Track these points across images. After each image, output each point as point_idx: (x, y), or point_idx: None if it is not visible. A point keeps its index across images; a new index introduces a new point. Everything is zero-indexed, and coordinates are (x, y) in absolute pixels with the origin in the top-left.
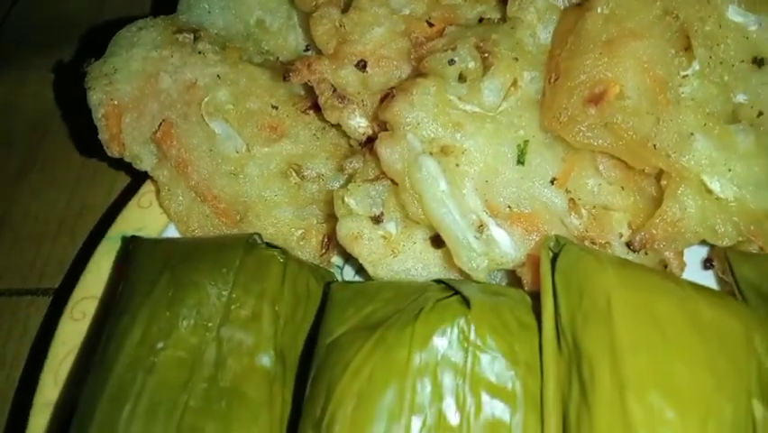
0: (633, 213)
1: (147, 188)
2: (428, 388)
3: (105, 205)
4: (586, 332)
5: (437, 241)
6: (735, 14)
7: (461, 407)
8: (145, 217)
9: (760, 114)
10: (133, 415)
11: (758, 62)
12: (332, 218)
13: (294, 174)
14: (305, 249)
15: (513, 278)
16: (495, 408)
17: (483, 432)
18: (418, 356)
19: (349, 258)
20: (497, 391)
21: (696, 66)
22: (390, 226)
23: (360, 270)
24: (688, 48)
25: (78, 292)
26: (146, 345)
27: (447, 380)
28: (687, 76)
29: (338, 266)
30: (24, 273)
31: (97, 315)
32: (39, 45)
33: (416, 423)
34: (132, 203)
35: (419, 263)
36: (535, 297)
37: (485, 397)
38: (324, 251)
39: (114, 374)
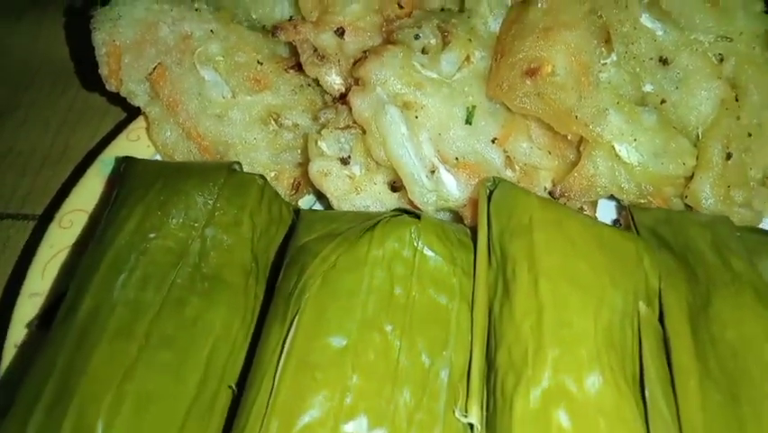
0: (556, 172)
1: (136, 124)
2: (383, 275)
3: (90, 146)
4: (511, 244)
5: (394, 186)
6: (646, 21)
7: (408, 291)
8: (133, 149)
9: (663, 101)
10: (128, 282)
11: (663, 61)
12: (303, 165)
13: (273, 122)
14: (277, 188)
15: (457, 220)
16: (436, 295)
17: (425, 310)
18: (375, 252)
19: (319, 198)
20: (438, 284)
21: (614, 57)
22: (356, 169)
23: (327, 209)
24: (608, 41)
25: (68, 205)
26: (139, 233)
27: (398, 270)
28: (606, 64)
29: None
30: (6, 201)
31: (85, 226)
32: None
33: (372, 300)
34: (122, 136)
35: (377, 202)
36: (474, 230)
37: (429, 286)
38: (293, 192)
39: (111, 251)
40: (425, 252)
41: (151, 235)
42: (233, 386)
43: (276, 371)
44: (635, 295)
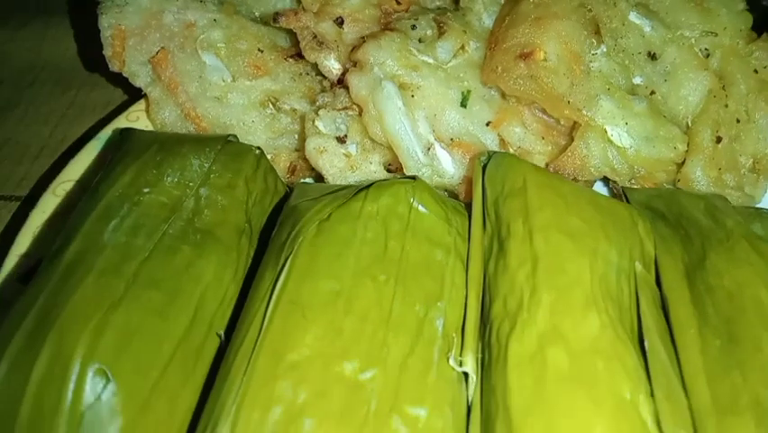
0: (549, 157)
1: (136, 106)
2: (377, 228)
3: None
4: (506, 205)
5: (389, 168)
6: (634, 18)
7: (402, 245)
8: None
9: (652, 92)
10: (118, 228)
11: (651, 56)
12: (300, 150)
13: (271, 106)
14: None
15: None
16: (430, 250)
17: (419, 264)
18: (370, 207)
19: (317, 181)
20: (432, 240)
21: (603, 48)
22: (352, 148)
23: None
24: (597, 32)
25: (63, 175)
26: (133, 187)
27: (393, 225)
28: (596, 54)
29: None
30: (1, 184)
31: (78, 193)
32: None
33: (365, 251)
34: (121, 116)
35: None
36: (469, 206)
37: (423, 241)
38: (289, 175)
39: (104, 201)
40: (419, 209)
41: (145, 190)
42: (221, 334)
43: (266, 311)
44: (630, 254)
